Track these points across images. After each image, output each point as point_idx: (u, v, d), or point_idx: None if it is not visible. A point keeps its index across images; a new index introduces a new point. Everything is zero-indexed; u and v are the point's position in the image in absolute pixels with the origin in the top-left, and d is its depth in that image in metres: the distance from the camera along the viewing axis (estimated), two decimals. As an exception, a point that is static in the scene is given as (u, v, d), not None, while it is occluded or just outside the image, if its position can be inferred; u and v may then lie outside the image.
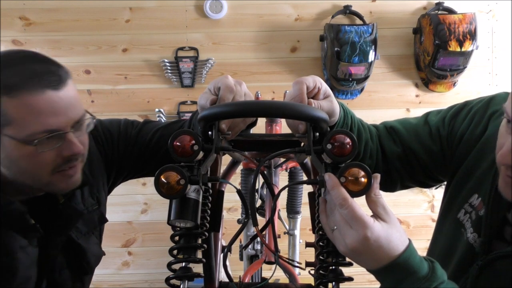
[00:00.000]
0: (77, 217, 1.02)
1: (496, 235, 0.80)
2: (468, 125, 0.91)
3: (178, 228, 0.76)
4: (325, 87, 0.86)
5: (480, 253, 0.81)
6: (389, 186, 1.01)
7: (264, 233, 1.32)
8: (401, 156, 0.97)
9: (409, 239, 0.70)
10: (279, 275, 2.08)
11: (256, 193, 1.33)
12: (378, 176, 0.70)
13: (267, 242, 1.35)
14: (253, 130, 0.98)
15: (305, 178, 1.31)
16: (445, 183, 0.99)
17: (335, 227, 0.69)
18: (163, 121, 2.63)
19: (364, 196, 0.70)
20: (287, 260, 0.89)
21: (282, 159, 1.52)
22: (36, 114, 0.82)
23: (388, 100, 2.71)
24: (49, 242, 0.99)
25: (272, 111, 0.80)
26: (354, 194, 0.69)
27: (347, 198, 0.68)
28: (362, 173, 0.69)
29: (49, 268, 1.00)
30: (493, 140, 0.83)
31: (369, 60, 2.45)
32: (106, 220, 1.14)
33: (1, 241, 0.89)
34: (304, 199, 1.53)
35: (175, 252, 0.76)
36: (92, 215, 1.07)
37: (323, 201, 0.73)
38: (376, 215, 0.69)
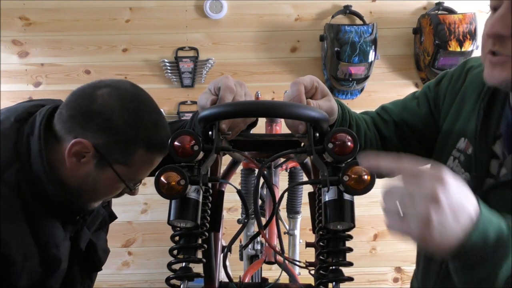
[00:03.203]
0: (105, 213, 1.11)
1: (487, 173, 0.80)
2: (449, 83, 0.96)
3: (178, 228, 0.76)
4: (322, 86, 0.87)
5: (473, 189, 0.81)
6: None
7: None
8: (395, 130, 1.01)
9: None
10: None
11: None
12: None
13: (267, 242, 1.35)
14: (253, 130, 0.98)
15: (305, 178, 1.31)
16: None
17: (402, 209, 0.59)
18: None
19: (366, 197, 0.70)
20: (293, 261, 0.88)
21: (282, 159, 1.52)
22: (148, 169, 0.97)
23: (388, 100, 2.67)
24: (80, 237, 1.04)
25: (272, 111, 0.80)
26: (358, 192, 0.69)
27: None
28: (365, 170, 0.69)
29: (75, 263, 1.05)
30: (472, 87, 0.89)
31: (369, 60, 2.45)
32: (116, 217, 1.18)
33: (52, 233, 0.94)
34: (304, 199, 1.53)
35: (175, 252, 0.76)
36: (103, 212, 1.11)
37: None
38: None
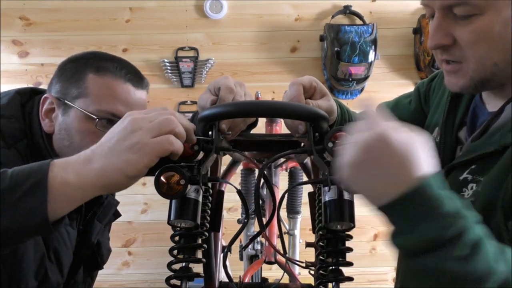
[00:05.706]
0: (117, 203, 1.11)
1: (451, 160, 0.78)
2: (440, 78, 0.96)
3: (178, 228, 0.76)
4: (320, 86, 0.87)
5: None
6: None
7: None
8: None
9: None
10: (279, 275, 2.06)
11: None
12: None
13: (267, 242, 1.35)
14: (253, 130, 0.98)
15: (305, 178, 1.31)
16: None
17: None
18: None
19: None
20: (293, 261, 0.89)
21: (282, 159, 1.52)
22: (111, 96, 0.92)
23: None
24: (91, 230, 1.05)
25: (272, 111, 0.80)
26: None
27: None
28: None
29: (85, 255, 1.05)
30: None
31: (369, 60, 2.45)
32: (120, 215, 1.17)
33: None
34: (304, 199, 1.53)
35: (175, 252, 0.76)
36: (115, 202, 1.12)
37: None
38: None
